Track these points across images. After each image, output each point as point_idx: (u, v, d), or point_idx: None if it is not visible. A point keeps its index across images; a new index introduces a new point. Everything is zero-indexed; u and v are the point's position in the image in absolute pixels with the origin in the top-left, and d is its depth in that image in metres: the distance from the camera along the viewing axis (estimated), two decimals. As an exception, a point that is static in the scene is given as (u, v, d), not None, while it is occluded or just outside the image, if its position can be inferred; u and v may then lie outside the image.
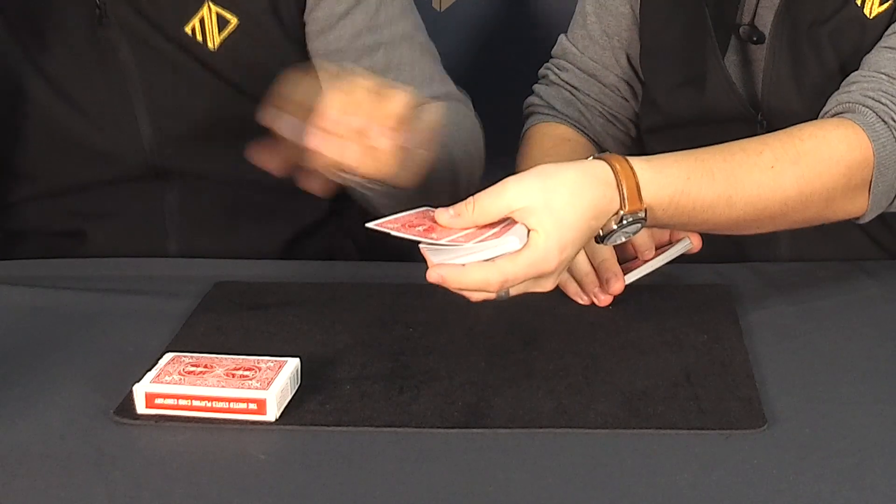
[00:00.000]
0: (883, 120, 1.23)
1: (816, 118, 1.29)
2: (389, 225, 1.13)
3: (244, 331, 1.24)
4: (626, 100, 1.57)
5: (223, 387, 1.06)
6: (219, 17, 1.47)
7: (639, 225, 1.14)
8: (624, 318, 1.22)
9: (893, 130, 1.23)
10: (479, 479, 0.98)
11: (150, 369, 1.09)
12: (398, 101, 1.19)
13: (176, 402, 1.06)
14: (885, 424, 1.05)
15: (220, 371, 1.08)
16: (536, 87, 1.61)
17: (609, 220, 1.13)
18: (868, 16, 1.35)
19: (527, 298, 1.28)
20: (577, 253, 1.14)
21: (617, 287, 1.25)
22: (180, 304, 1.30)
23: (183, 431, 1.05)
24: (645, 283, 1.29)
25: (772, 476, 0.98)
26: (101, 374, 1.15)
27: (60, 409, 1.09)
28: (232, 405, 1.06)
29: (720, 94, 1.44)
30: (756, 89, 1.44)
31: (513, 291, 1.12)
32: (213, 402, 1.06)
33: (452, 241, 1.10)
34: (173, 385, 1.07)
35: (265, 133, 1.25)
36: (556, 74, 1.59)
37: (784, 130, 1.23)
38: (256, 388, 1.06)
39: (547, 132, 1.56)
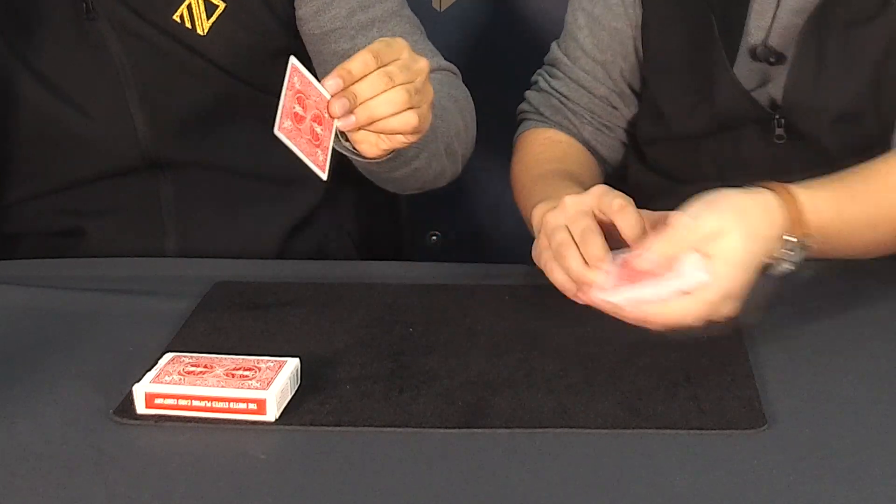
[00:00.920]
0: None
1: (838, 112, 1.33)
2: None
3: (244, 331, 1.24)
4: (617, 108, 1.56)
5: (223, 387, 1.06)
6: (206, 2, 1.47)
7: (805, 252, 1.17)
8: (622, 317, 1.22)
9: None
10: (479, 479, 0.98)
11: (149, 369, 1.09)
12: (423, 62, 1.20)
13: (176, 403, 1.06)
14: (885, 424, 1.05)
15: (219, 371, 1.08)
16: (528, 93, 1.61)
17: (776, 246, 1.16)
18: None
19: (527, 298, 1.29)
20: (753, 277, 1.15)
21: (605, 284, 1.18)
22: (180, 304, 1.29)
23: (183, 431, 1.05)
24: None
25: (772, 476, 0.98)
26: (101, 374, 1.15)
27: (60, 409, 1.09)
28: (232, 405, 1.06)
29: (732, 102, 1.44)
30: (772, 91, 1.43)
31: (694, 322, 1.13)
32: (213, 402, 1.06)
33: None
34: (173, 385, 1.07)
35: (258, 119, 1.24)
36: (546, 82, 1.58)
37: None
38: (256, 388, 1.06)
39: (537, 137, 1.56)
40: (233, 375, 1.08)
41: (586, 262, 1.20)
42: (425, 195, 1.70)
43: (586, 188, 1.39)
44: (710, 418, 1.06)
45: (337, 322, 1.25)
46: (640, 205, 1.32)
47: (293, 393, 1.09)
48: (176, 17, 1.47)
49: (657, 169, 1.56)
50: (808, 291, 1.30)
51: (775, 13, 1.42)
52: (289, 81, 1.15)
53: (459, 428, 1.05)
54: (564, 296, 1.27)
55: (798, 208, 1.17)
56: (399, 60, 1.19)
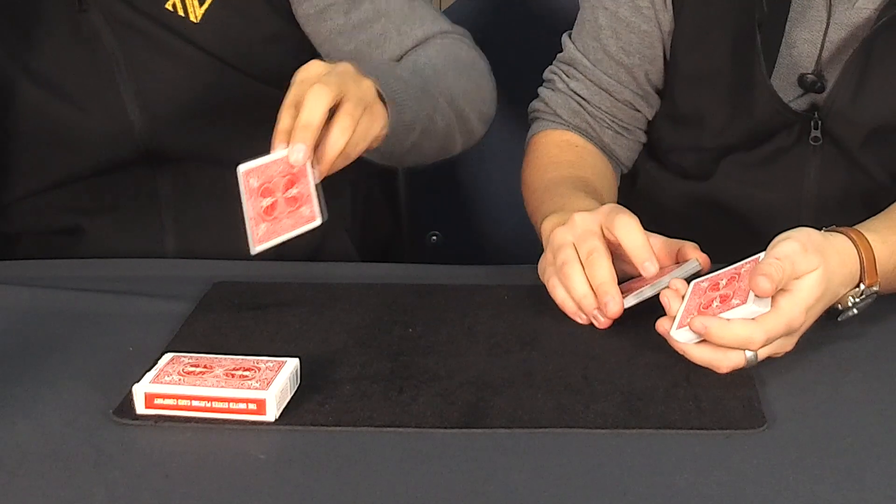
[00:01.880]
0: None
1: (874, 125, 1.36)
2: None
3: (243, 331, 1.24)
4: (639, 111, 1.52)
5: (223, 387, 1.06)
6: None
7: (872, 300, 1.19)
8: (624, 318, 1.22)
9: None
10: (479, 479, 0.98)
11: (149, 369, 1.09)
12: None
13: (175, 403, 1.06)
14: (885, 424, 1.05)
15: (219, 371, 1.08)
16: (542, 90, 1.56)
17: (846, 293, 1.18)
18: None
19: (527, 298, 1.29)
20: (818, 315, 1.16)
21: (614, 311, 1.20)
22: (179, 304, 1.29)
23: (183, 431, 1.05)
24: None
25: (772, 476, 0.98)
26: (101, 374, 1.15)
27: (60, 409, 1.09)
28: (231, 405, 1.06)
29: (770, 115, 1.43)
30: (811, 98, 1.43)
31: (762, 353, 1.12)
32: (213, 403, 1.06)
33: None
34: (173, 385, 1.07)
35: (255, 113, 1.25)
36: (563, 82, 1.53)
37: None
38: (256, 389, 1.06)
39: (552, 139, 1.52)
40: (232, 375, 1.08)
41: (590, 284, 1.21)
42: (425, 195, 1.71)
43: (600, 196, 1.39)
44: (710, 418, 1.06)
45: (336, 322, 1.25)
46: (653, 200, 1.32)
47: (293, 393, 1.09)
48: (168, 6, 1.47)
49: (671, 167, 1.55)
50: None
51: (823, 42, 1.40)
52: (246, 190, 1.16)
53: (459, 428, 1.05)
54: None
55: (872, 258, 1.18)
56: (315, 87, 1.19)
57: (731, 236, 1.36)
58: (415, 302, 1.29)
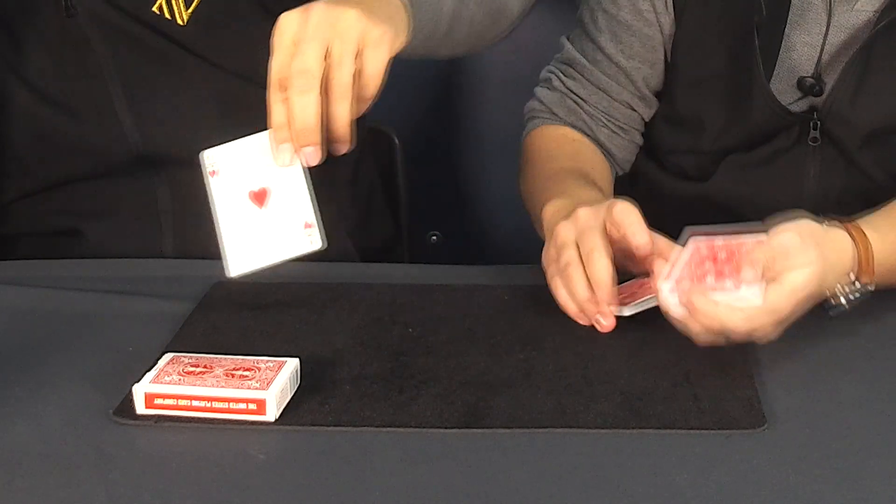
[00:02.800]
0: None
1: (872, 127, 1.36)
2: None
3: (243, 331, 1.24)
4: (636, 111, 1.52)
5: (223, 387, 1.06)
6: None
7: (865, 296, 1.19)
8: (624, 318, 1.22)
9: None
10: (479, 479, 0.98)
11: (149, 369, 1.09)
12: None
13: (175, 403, 1.06)
14: (885, 424, 1.05)
15: (219, 371, 1.08)
16: (538, 90, 1.56)
17: (839, 285, 1.18)
18: None
19: (526, 298, 1.29)
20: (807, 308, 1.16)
21: (606, 327, 1.20)
22: (179, 304, 1.29)
23: (182, 431, 1.05)
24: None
25: (772, 476, 0.98)
26: (101, 374, 1.15)
27: (60, 409, 1.09)
28: (231, 405, 1.06)
29: (769, 119, 1.43)
30: (810, 101, 1.43)
31: (736, 337, 1.13)
32: (213, 403, 1.06)
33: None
34: (173, 385, 1.07)
35: (244, 111, 1.24)
36: (560, 81, 1.53)
37: None
38: (256, 389, 1.06)
39: (549, 134, 1.52)
40: (232, 375, 1.08)
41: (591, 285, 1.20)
42: (425, 195, 1.71)
43: (599, 189, 1.39)
44: (710, 418, 1.06)
45: (337, 322, 1.25)
46: (653, 201, 1.32)
47: (293, 393, 1.09)
48: (155, 9, 1.46)
49: (671, 168, 1.55)
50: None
51: (823, 45, 1.40)
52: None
53: (459, 428, 1.05)
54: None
55: (869, 253, 1.18)
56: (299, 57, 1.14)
57: None
58: (415, 302, 1.29)
